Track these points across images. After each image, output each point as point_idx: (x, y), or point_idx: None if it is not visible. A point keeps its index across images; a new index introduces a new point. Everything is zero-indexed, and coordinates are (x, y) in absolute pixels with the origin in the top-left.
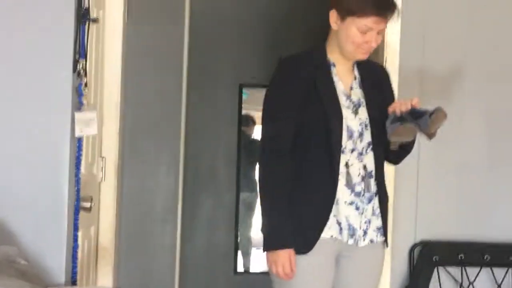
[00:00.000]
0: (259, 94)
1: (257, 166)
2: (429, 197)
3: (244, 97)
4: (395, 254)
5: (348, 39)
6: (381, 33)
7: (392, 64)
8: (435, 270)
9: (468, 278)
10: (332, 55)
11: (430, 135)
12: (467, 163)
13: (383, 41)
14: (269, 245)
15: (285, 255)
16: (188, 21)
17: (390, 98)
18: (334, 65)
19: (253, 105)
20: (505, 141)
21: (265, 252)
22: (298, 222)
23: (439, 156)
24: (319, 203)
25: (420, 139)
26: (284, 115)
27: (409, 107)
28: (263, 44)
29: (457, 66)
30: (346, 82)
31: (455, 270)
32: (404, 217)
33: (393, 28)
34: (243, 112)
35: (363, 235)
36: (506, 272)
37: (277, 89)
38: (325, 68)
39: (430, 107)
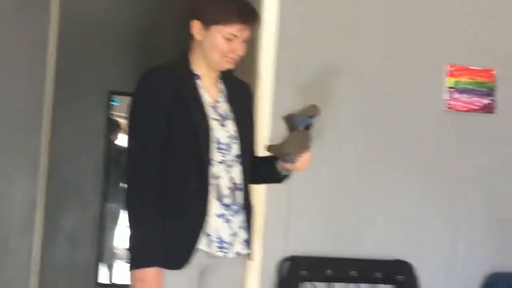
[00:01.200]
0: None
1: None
2: (300, 213)
3: (114, 104)
4: (265, 268)
5: (215, 48)
6: (246, 41)
7: (267, 77)
8: (303, 285)
9: None
10: (197, 67)
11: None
12: (337, 182)
13: (255, 54)
14: (138, 263)
15: (153, 273)
16: (57, 25)
17: (252, 118)
18: (199, 77)
19: (124, 113)
20: (372, 162)
21: (131, 270)
22: (170, 237)
23: (310, 173)
24: (192, 217)
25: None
26: (151, 128)
27: None
28: (135, 52)
29: (331, 85)
30: (212, 95)
31: (323, 286)
32: (275, 232)
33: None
34: (113, 119)
35: (230, 248)
36: None
37: (141, 102)
38: (190, 80)
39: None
